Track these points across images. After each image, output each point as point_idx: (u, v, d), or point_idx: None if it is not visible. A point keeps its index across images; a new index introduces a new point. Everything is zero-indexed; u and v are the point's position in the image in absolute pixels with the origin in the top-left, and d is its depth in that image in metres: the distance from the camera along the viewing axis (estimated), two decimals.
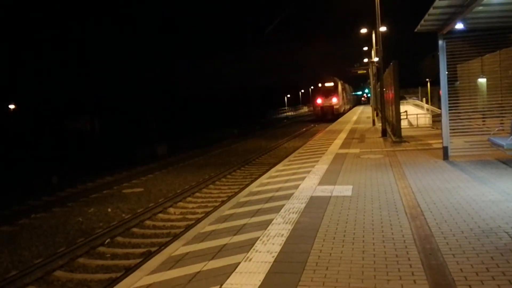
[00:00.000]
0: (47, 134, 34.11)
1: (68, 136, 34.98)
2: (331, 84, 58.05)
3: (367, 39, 46.26)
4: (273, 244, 6.29)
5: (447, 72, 12.75)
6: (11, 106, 47.55)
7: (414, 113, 31.18)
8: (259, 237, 6.64)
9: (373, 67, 39.29)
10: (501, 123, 13.02)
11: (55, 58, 43.52)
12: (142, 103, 45.83)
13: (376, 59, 33.17)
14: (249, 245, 6.34)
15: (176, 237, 9.72)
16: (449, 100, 12.68)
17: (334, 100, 56.52)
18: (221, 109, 66.64)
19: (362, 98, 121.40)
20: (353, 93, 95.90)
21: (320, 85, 58.69)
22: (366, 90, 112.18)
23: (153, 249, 9.64)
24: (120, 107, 44.22)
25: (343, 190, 9.67)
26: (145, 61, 50.20)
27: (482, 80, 15.12)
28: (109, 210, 13.52)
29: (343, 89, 63.62)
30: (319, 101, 57.35)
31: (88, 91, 43.71)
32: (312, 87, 77.24)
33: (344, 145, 19.15)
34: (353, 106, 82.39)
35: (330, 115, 53.06)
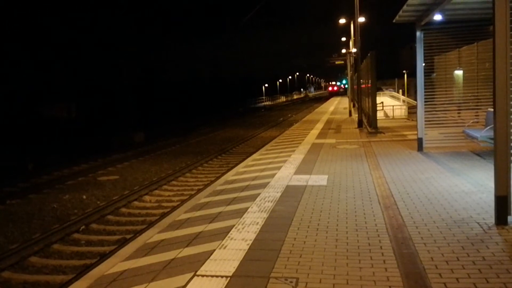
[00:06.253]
0: (22, 122, 33.61)
1: (44, 123, 34.52)
2: (335, 82, 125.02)
3: (345, 29, 46.50)
4: (248, 232, 6.33)
5: (424, 64, 12.85)
6: None
7: (390, 104, 31.48)
8: (234, 225, 6.67)
9: (351, 57, 39.41)
10: (476, 115, 13.17)
11: (28, 43, 42.74)
12: (120, 89, 45.36)
13: (354, 50, 33.28)
14: (224, 233, 6.37)
15: (151, 224, 9.69)
16: (425, 92, 12.79)
17: (335, 88, 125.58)
18: (199, 97, 66.56)
19: (340, 89, 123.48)
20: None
21: (330, 82, 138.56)
22: (344, 81, 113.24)
23: (128, 236, 9.62)
24: (97, 93, 43.76)
25: (319, 179, 9.74)
26: (122, 46, 49.58)
27: (459, 72, 15.26)
28: (84, 197, 13.44)
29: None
30: (330, 88, 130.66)
31: (63, 78, 43.12)
32: (328, 83, 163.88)
33: (321, 135, 19.27)
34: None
35: (335, 95, 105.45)
